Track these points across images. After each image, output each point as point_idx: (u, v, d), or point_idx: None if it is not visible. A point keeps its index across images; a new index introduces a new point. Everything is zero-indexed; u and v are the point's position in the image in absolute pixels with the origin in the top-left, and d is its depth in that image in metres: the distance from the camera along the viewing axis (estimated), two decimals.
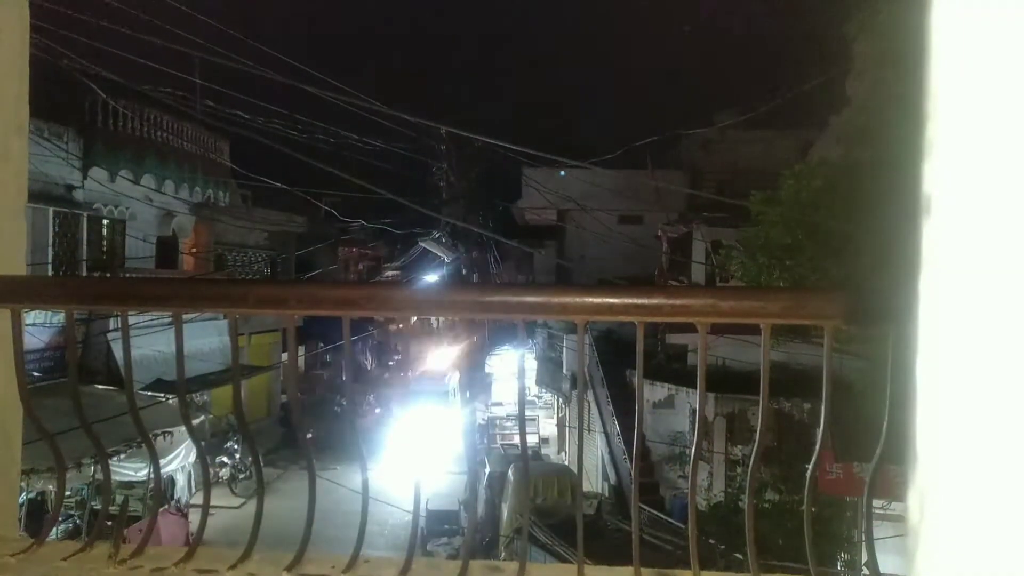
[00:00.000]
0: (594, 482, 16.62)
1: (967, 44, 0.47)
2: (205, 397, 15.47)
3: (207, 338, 14.64)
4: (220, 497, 14.82)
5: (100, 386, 11.72)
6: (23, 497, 8.94)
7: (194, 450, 10.99)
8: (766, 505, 9.77)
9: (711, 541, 9.14)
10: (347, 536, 1.70)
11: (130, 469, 10.25)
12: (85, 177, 14.74)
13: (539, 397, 25.29)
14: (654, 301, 1.53)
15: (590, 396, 17.66)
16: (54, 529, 2.33)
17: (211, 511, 1.91)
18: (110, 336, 13.23)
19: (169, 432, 10.71)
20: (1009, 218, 0.47)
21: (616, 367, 17.18)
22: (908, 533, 0.51)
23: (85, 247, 14.61)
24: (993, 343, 0.47)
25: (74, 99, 14.12)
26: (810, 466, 2.20)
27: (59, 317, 11.29)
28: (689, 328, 1.59)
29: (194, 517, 12.72)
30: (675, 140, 24.52)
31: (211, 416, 14.88)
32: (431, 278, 31.77)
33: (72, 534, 10.28)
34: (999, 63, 0.46)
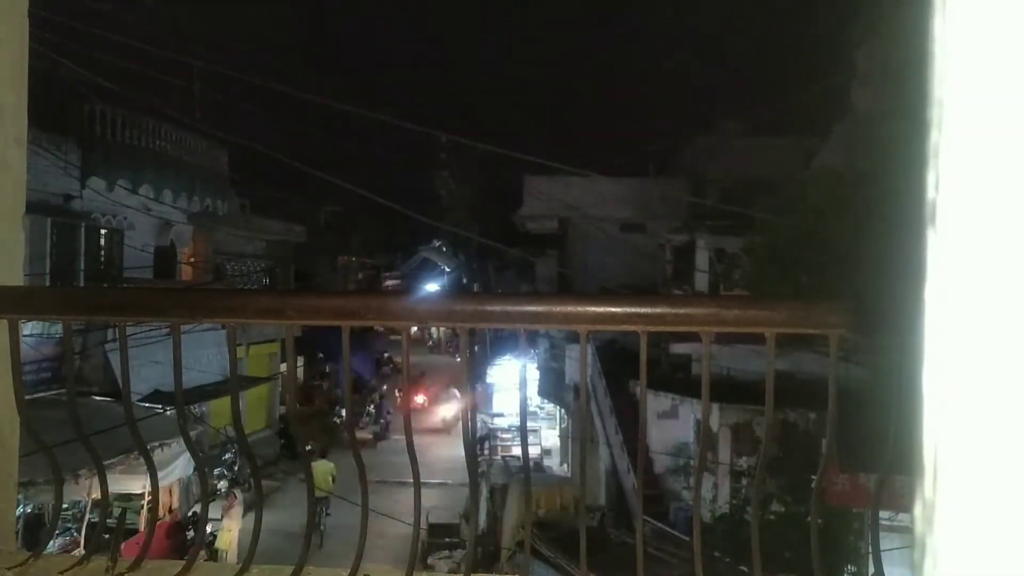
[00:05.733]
0: (597, 494, 16.54)
1: (973, 49, 0.46)
2: (203, 408, 15.43)
3: (205, 349, 14.61)
4: (218, 510, 14.74)
5: (97, 397, 11.69)
6: (20, 510, 8.90)
7: (192, 462, 10.95)
8: (772, 517, 9.70)
9: (716, 554, 9.08)
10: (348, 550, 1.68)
11: (128, 482, 10.20)
12: (83, 187, 14.75)
13: (541, 408, 25.20)
14: (657, 310, 1.52)
15: (593, 407, 17.59)
16: (51, 542, 2.31)
17: (209, 524, 1.88)
18: (108, 347, 13.21)
19: (167, 444, 10.66)
20: (1017, 226, 0.46)
21: (619, 377, 17.11)
22: (915, 545, 0.50)
23: (83, 257, 14.60)
24: (1002, 353, 0.46)
25: (73, 109, 14.17)
26: (816, 477, 2.17)
27: (57, 328, 11.28)
28: (693, 338, 1.57)
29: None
30: (678, 147, 24.56)
31: (210, 427, 14.84)
32: (431, 287, 31.80)
33: (69, 547, 10.23)
34: (1006, 68, 0.46)
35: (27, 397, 1.79)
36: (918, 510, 0.49)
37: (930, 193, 0.48)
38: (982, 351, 0.46)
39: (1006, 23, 0.45)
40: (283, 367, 21.58)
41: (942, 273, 0.47)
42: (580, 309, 1.52)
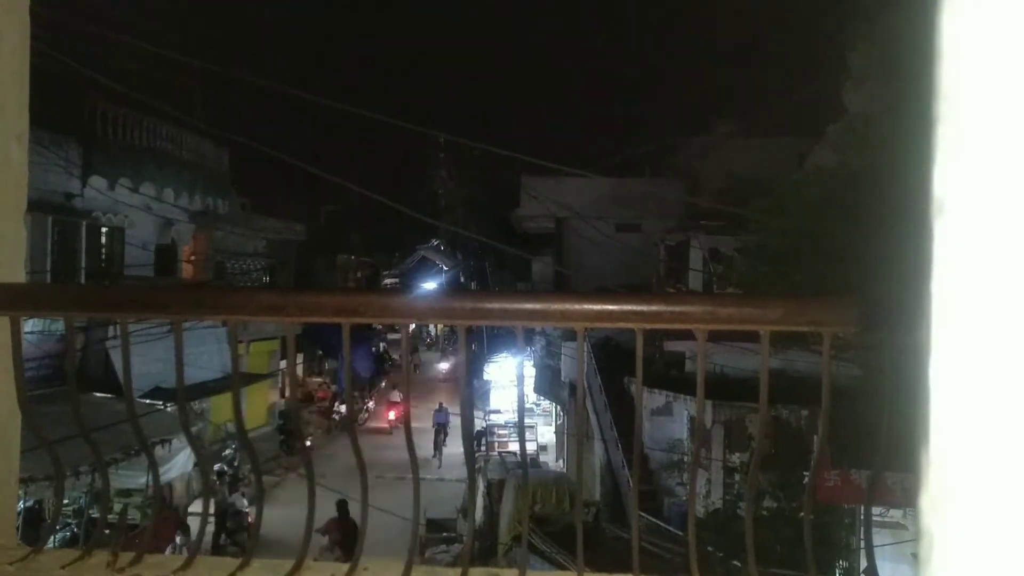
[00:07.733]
0: (592, 489, 16.58)
1: (980, 41, 0.47)
2: (204, 405, 15.43)
3: (206, 346, 14.61)
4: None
5: (98, 394, 11.68)
6: (20, 505, 8.90)
7: (193, 458, 10.96)
8: (764, 512, 9.74)
9: (709, 548, 9.12)
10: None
11: (128, 477, 10.21)
12: (84, 185, 14.73)
13: (537, 404, 25.27)
14: (653, 308, 1.54)
15: (588, 404, 17.63)
16: (52, 537, 2.32)
17: (210, 519, 1.90)
18: (109, 344, 13.20)
19: (168, 440, 10.67)
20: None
21: (614, 375, 17.17)
22: (921, 538, 0.50)
23: (84, 255, 14.58)
24: (1007, 346, 0.47)
25: (74, 108, 14.15)
26: (809, 474, 2.20)
27: (58, 325, 11.28)
28: (687, 335, 1.60)
29: (192, 525, 12.69)
30: (672, 148, 24.61)
31: (210, 423, 14.85)
32: (430, 286, 31.80)
33: (70, 542, 10.23)
34: (1014, 60, 0.46)
35: (28, 393, 1.80)
36: (924, 502, 0.49)
37: (936, 189, 0.48)
38: (988, 344, 0.47)
39: (1012, 19, 0.45)
40: (283, 364, 21.58)
41: (949, 268, 0.48)
42: (577, 307, 1.53)
